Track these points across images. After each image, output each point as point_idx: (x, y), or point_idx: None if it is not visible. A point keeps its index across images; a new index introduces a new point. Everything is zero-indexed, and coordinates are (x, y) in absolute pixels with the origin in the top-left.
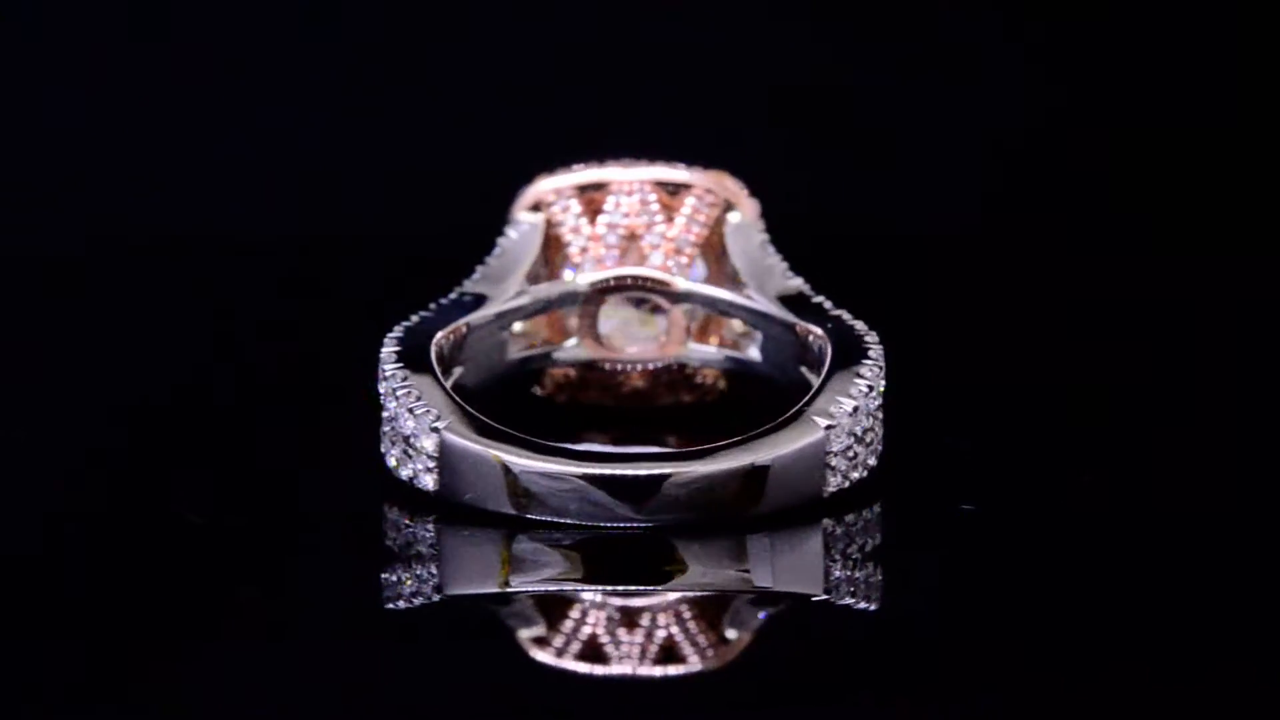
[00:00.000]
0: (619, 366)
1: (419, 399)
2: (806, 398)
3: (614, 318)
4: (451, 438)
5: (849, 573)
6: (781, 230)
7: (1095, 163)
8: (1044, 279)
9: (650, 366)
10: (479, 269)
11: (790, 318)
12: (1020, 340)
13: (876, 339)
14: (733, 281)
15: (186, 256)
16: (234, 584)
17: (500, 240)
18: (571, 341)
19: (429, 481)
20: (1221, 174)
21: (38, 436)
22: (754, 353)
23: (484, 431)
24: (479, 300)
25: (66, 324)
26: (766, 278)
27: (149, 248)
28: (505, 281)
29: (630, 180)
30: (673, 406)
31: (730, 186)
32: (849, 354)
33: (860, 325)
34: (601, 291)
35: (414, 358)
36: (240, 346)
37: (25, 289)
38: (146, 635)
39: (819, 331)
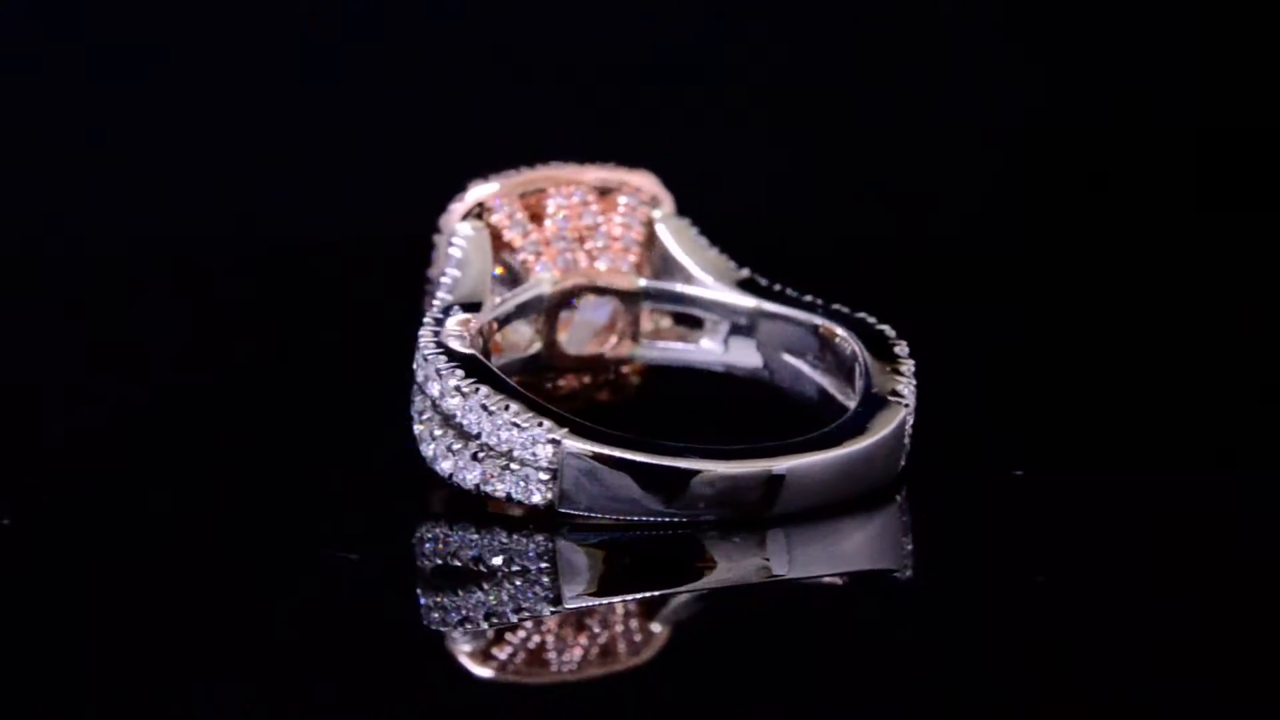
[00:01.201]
0: (565, 368)
1: (517, 411)
2: (863, 383)
3: (574, 320)
4: (576, 446)
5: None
6: (777, 230)
7: (1093, 163)
8: (1042, 279)
9: (591, 367)
10: (445, 281)
11: (808, 317)
12: (1018, 337)
13: (876, 320)
14: (670, 276)
15: (186, 257)
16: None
17: (451, 251)
18: (537, 345)
19: (538, 495)
20: (1220, 173)
21: (32, 442)
22: (709, 344)
23: (604, 438)
24: (472, 307)
25: (62, 325)
26: (718, 270)
27: (148, 248)
28: (478, 289)
29: (568, 183)
30: (589, 406)
31: (652, 183)
32: (874, 340)
33: (844, 308)
34: (570, 295)
35: (474, 368)
36: (243, 349)
37: (23, 290)
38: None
39: (842, 332)
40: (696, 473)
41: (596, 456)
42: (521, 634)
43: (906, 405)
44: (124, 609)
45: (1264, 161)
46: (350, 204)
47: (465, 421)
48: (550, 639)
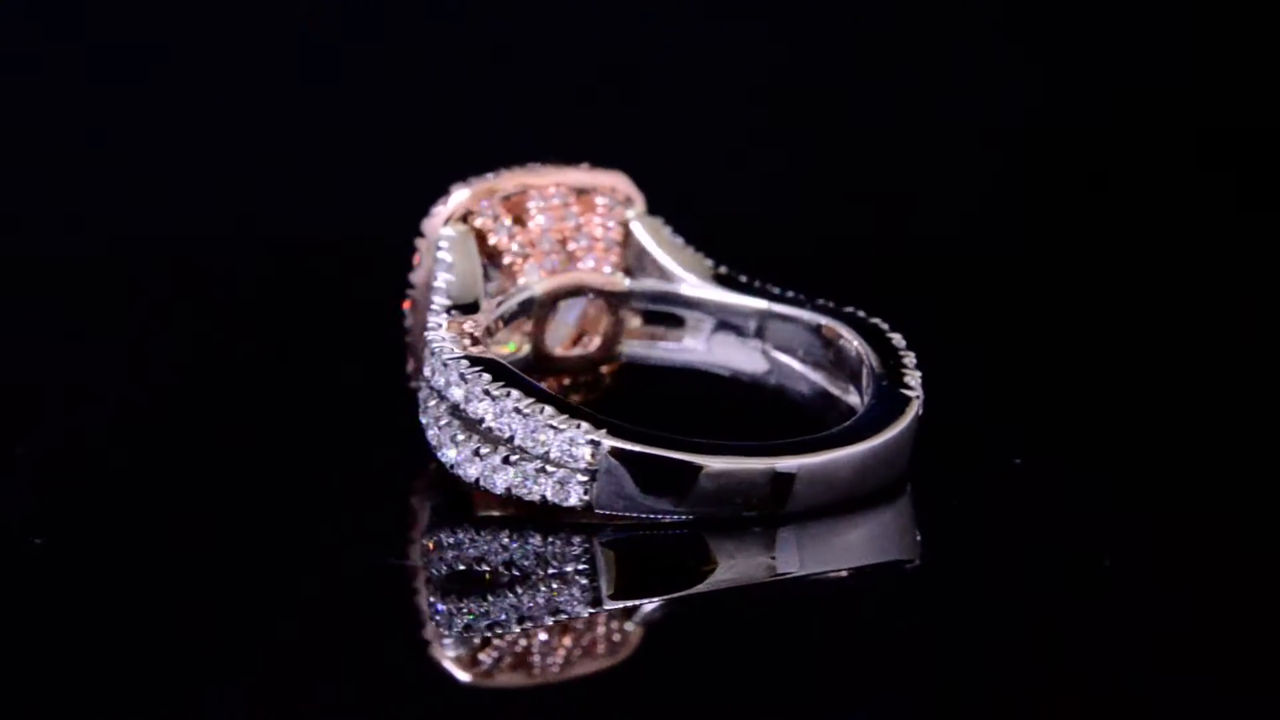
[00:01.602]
0: (552, 370)
1: (553, 414)
2: (873, 379)
3: (562, 321)
4: (619, 445)
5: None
6: (777, 230)
7: (1093, 163)
8: (1042, 279)
9: (574, 368)
10: (439, 285)
11: (811, 316)
12: (1018, 337)
13: (865, 313)
14: (646, 273)
15: (186, 257)
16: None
17: (440, 255)
18: (526, 348)
19: (575, 497)
20: (1220, 173)
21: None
22: (692, 343)
23: (643, 438)
24: (471, 308)
25: (62, 325)
26: (696, 267)
27: (148, 248)
28: (474, 291)
29: (548, 185)
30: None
31: (625, 183)
32: (874, 336)
33: (830, 302)
34: (560, 296)
35: (499, 371)
36: (243, 349)
37: (23, 290)
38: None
39: (849, 334)
40: (742, 471)
41: (638, 456)
42: (544, 636)
43: (918, 397)
44: (124, 609)
45: (1264, 161)
46: (350, 204)
47: (496, 425)
48: (576, 639)
